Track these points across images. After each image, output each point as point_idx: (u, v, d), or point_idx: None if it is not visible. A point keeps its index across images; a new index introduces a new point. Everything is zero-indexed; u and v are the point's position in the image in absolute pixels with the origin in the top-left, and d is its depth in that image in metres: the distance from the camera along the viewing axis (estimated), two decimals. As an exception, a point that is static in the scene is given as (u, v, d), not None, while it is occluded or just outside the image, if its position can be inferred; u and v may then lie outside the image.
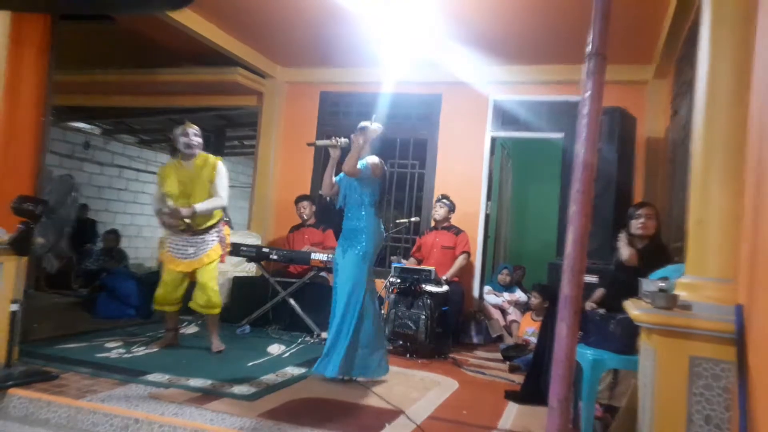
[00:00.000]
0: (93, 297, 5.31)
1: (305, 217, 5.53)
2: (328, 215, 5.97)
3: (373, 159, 3.56)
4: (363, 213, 3.52)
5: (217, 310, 3.96)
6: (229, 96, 6.55)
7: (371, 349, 3.44)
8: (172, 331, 4.06)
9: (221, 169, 3.92)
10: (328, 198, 3.81)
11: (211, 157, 3.95)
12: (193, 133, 3.90)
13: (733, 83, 2.02)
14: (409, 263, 5.22)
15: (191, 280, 3.98)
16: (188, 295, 4.02)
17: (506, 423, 2.89)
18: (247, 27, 5.14)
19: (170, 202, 3.79)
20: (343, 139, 3.57)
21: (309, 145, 3.93)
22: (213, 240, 3.93)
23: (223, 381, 3.18)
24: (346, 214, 3.60)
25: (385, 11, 4.40)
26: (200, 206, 3.80)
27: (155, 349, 3.91)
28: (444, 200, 5.25)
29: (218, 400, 2.87)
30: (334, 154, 3.58)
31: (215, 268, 3.95)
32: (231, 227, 4.24)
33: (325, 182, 3.65)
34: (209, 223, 3.91)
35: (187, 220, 3.81)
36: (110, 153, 9.28)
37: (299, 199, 5.60)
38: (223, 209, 4.00)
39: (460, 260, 5.07)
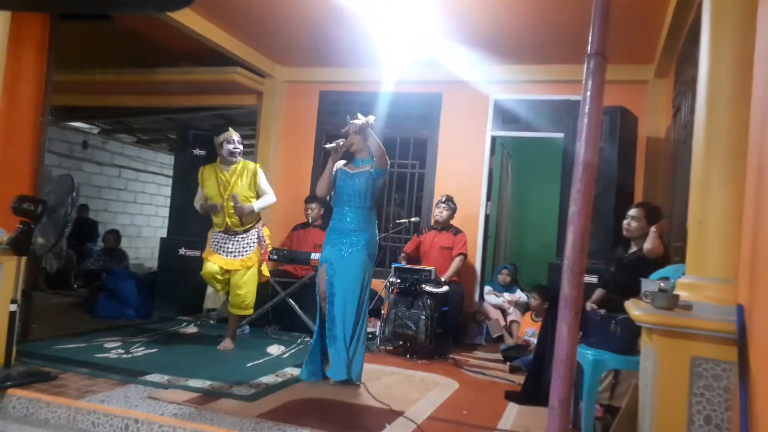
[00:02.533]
0: (93, 297, 5.30)
1: (312, 218, 5.50)
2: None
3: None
4: (365, 211, 3.46)
5: (248, 312, 4.15)
6: (229, 95, 6.54)
7: (361, 350, 3.42)
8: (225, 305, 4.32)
9: (261, 172, 4.19)
10: (328, 198, 3.79)
11: (250, 163, 4.18)
12: (238, 141, 4.09)
13: (734, 83, 2.02)
14: (401, 258, 5.20)
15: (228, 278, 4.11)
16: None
17: (506, 423, 2.89)
18: (246, 26, 5.14)
19: (237, 198, 3.97)
20: (339, 142, 3.55)
21: (323, 148, 3.88)
22: (253, 241, 4.10)
23: (223, 381, 3.18)
24: (341, 209, 3.50)
25: (385, 10, 4.39)
26: (257, 204, 4.07)
27: (162, 344, 4.03)
28: (448, 202, 5.19)
29: (218, 400, 2.87)
30: (335, 155, 3.56)
31: (254, 271, 4.10)
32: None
33: (323, 183, 3.60)
34: (249, 224, 4.10)
35: (229, 220, 4.02)
36: (109, 153, 9.28)
37: (308, 200, 5.57)
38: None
39: (456, 262, 5.05)
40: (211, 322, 5.10)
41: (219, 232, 4.08)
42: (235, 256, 4.02)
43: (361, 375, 3.38)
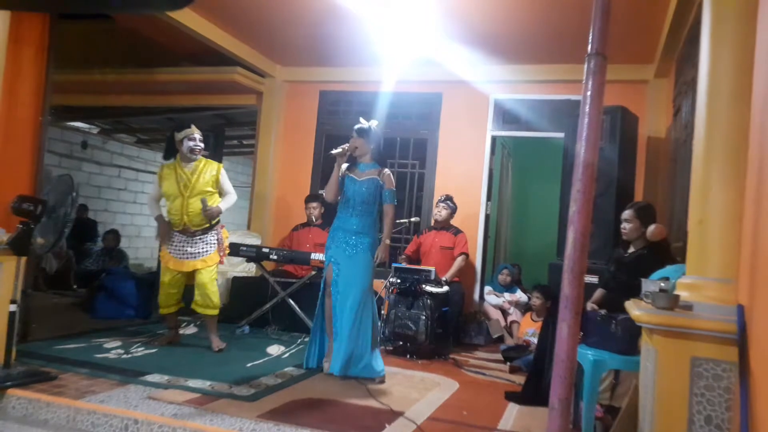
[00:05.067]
0: (92, 297, 5.30)
1: (314, 218, 5.49)
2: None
3: (388, 172, 3.62)
4: (370, 216, 3.57)
5: (216, 311, 4.06)
6: (229, 95, 6.54)
7: (372, 348, 3.47)
8: (174, 330, 4.19)
9: (224, 171, 4.12)
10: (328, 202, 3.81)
11: (212, 162, 4.12)
12: (199, 138, 4.04)
13: (734, 83, 2.02)
14: (402, 259, 5.21)
15: (189, 281, 4.08)
16: (188, 295, 4.11)
17: (507, 424, 2.89)
18: (246, 26, 5.13)
19: (206, 201, 3.92)
20: (345, 146, 3.58)
21: (329, 154, 3.79)
22: (212, 242, 4.04)
23: (223, 382, 3.17)
24: (347, 210, 3.57)
25: (385, 10, 4.39)
26: (224, 204, 4.03)
27: (156, 347, 3.98)
28: (447, 202, 5.21)
29: (217, 400, 2.86)
30: (340, 159, 3.58)
31: (214, 270, 4.05)
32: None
33: (331, 188, 3.62)
34: (207, 225, 4.01)
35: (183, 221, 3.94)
36: (109, 153, 9.27)
37: (309, 199, 5.56)
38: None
39: (459, 262, 5.05)
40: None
41: (177, 232, 4.00)
42: (195, 257, 3.97)
43: (376, 371, 3.43)
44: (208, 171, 4.03)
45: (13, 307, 3.00)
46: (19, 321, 3.15)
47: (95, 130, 9.12)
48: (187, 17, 4.74)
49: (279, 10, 4.67)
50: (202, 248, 3.99)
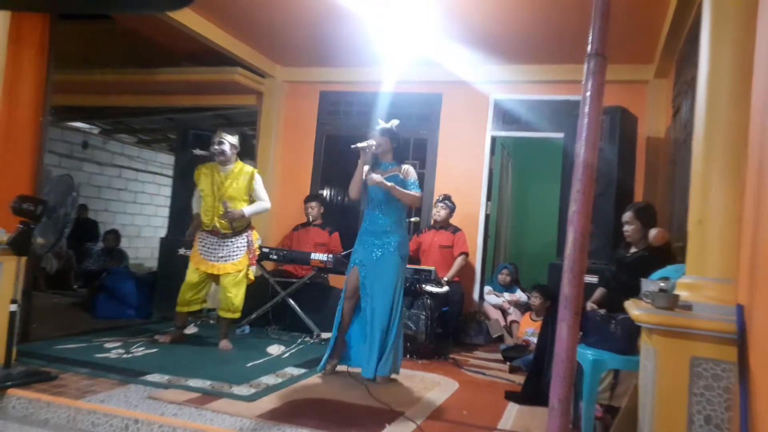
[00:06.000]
0: (92, 297, 5.30)
1: (312, 217, 5.50)
2: (335, 217, 5.96)
3: (408, 167, 3.63)
4: (395, 215, 3.55)
5: (234, 315, 4.14)
6: (229, 95, 6.54)
7: (396, 348, 3.50)
8: (181, 329, 4.26)
9: (258, 177, 4.17)
10: (352, 200, 3.79)
11: (248, 167, 4.18)
12: (218, 142, 4.07)
13: (734, 83, 2.01)
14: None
15: (214, 282, 4.18)
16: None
17: (506, 423, 2.89)
18: (246, 26, 5.13)
19: (227, 204, 3.98)
20: (371, 141, 3.57)
21: (353, 148, 3.71)
22: (242, 245, 4.10)
23: (223, 381, 3.18)
24: (372, 211, 3.56)
25: (385, 10, 4.39)
26: (248, 209, 4.06)
27: (162, 342, 4.07)
28: (446, 201, 5.22)
29: (218, 400, 2.86)
30: (364, 157, 3.56)
31: (242, 274, 4.10)
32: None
33: (355, 185, 3.59)
34: (239, 228, 4.10)
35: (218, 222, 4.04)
36: (109, 153, 9.28)
37: (308, 199, 5.57)
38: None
39: (459, 261, 5.06)
40: (211, 322, 5.09)
41: (206, 232, 4.07)
42: (225, 260, 4.04)
43: (399, 368, 3.52)
44: (242, 177, 4.08)
45: (13, 307, 3.00)
46: (20, 321, 3.15)
47: (95, 130, 9.13)
48: (187, 17, 4.74)
49: (279, 10, 4.67)
50: (233, 251, 4.05)
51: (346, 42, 5.21)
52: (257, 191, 4.12)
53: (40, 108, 3.86)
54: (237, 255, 4.06)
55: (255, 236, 4.23)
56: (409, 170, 3.60)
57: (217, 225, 4.03)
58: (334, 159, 6.14)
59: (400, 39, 4.95)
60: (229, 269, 4.02)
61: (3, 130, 3.57)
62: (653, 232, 3.20)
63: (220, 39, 5.23)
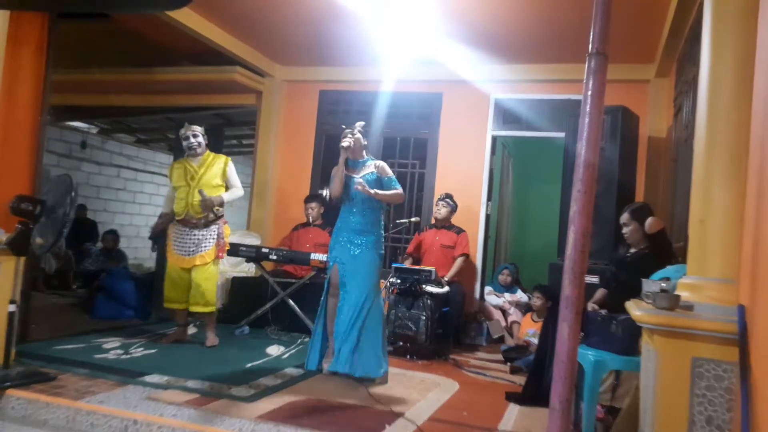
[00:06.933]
0: (91, 297, 5.30)
1: (312, 218, 5.48)
2: (335, 217, 5.94)
3: (381, 163, 3.65)
4: (373, 213, 3.56)
5: (211, 309, 4.11)
6: (228, 95, 6.53)
7: (378, 348, 3.45)
8: (182, 328, 4.25)
9: (232, 164, 4.22)
10: (334, 199, 3.77)
11: (221, 156, 4.24)
12: (192, 135, 4.15)
13: (735, 82, 2.01)
14: (404, 259, 5.20)
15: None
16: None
17: (507, 424, 2.88)
18: (246, 26, 5.13)
19: (204, 192, 3.99)
20: (349, 139, 3.58)
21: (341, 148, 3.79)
22: (212, 238, 4.08)
23: (222, 382, 3.17)
24: (350, 209, 3.57)
25: (385, 10, 4.38)
26: (227, 195, 4.11)
27: (162, 345, 4.05)
28: (447, 200, 5.21)
29: (217, 401, 2.86)
30: (344, 155, 3.58)
31: (210, 268, 4.08)
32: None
33: (337, 183, 3.59)
34: (209, 217, 4.08)
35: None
36: (108, 152, 9.26)
37: (308, 199, 5.56)
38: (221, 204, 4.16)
39: (459, 262, 5.05)
40: (198, 323, 5.08)
41: (178, 221, 4.06)
42: (192, 252, 4.02)
43: (381, 372, 3.42)
44: (216, 164, 4.15)
45: (12, 308, 2.99)
46: (18, 321, 3.14)
47: (94, 130, 9.12)
48: (186, 17, 4.73)
49: (279, 9, 4.66)
50: (201, 244, 4.03)
51: (345, 41, 5.20)
52: (230, 178, 4.18)
53: (39, 107, 3.85)
54: (206, 247, 4.04)
55: (227, 230, 4.20)
56: (384, 167, 3.62)
57: (190, 212, 4.01)
58: (334, 159, 6.10)
59: (400, 38, 4.94)
60: (196, 261, 4.00)
61: (1, 129, 3.57)
62: (648, 221, 3.21)
63: (219, 38, 5.22)
